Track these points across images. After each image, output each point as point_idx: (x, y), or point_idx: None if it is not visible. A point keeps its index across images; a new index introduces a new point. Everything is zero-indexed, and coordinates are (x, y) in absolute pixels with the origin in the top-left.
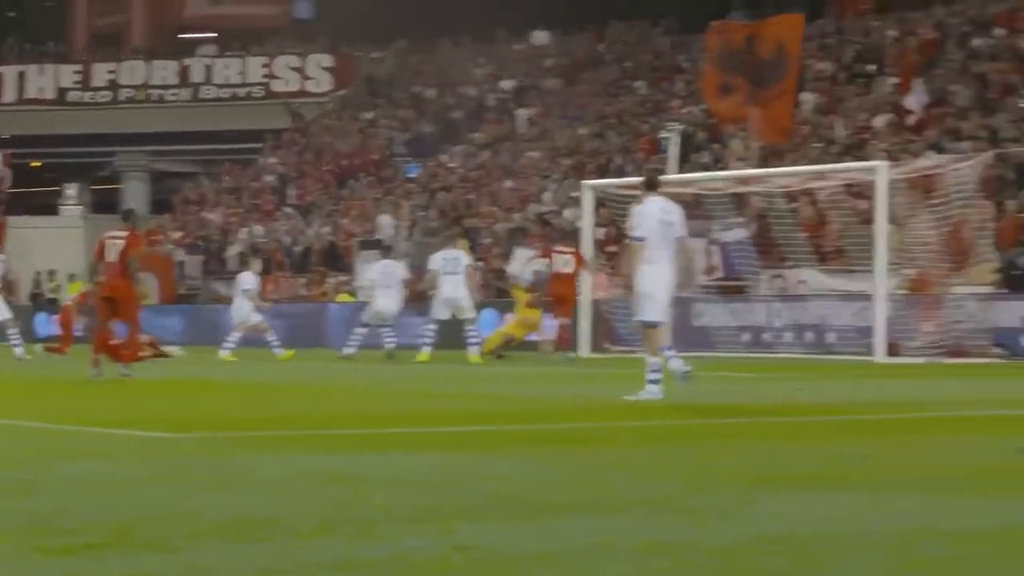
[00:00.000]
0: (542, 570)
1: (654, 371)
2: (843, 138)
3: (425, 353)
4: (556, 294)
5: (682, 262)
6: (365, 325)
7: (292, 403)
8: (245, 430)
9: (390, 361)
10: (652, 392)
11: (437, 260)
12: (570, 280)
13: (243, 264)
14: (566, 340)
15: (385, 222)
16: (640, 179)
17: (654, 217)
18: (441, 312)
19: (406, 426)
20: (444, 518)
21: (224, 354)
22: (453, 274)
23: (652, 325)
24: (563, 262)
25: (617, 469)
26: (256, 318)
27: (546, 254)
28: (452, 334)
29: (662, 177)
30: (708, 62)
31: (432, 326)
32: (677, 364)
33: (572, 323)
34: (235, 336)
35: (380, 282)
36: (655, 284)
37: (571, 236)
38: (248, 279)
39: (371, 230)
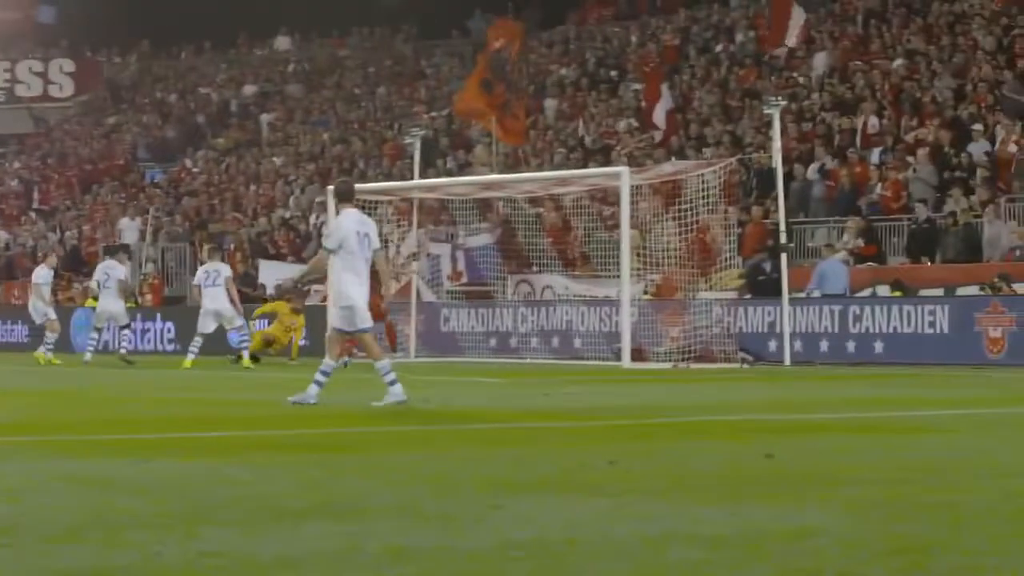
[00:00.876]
0: (285, 575)
1: (387, 373)
2: (588, 143)
3: (189, 361)
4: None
5: (380, 274)
6: (98, 329)
7: (36, 408)
8: None
9: (128, 365)
10: (396, 394)
11: (199, 275)
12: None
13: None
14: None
15: (128, 227)
16: (334, 190)
17: (351, 229)
18: (207, 325)
19: (151, 432)
20: (188, 524)
21: (45, 354)
22: (214, 286)
23: (368, 332)
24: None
25: (362, 475)
26: (52, 314)
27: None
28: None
29: (357, 187)
30: (482, 60)
31: (199, 338)
32: (325, 370)
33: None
34: (52, 336)
35: (103, 283)
36: (359, 294)
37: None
38: (43, 274)
39: (115, 235)
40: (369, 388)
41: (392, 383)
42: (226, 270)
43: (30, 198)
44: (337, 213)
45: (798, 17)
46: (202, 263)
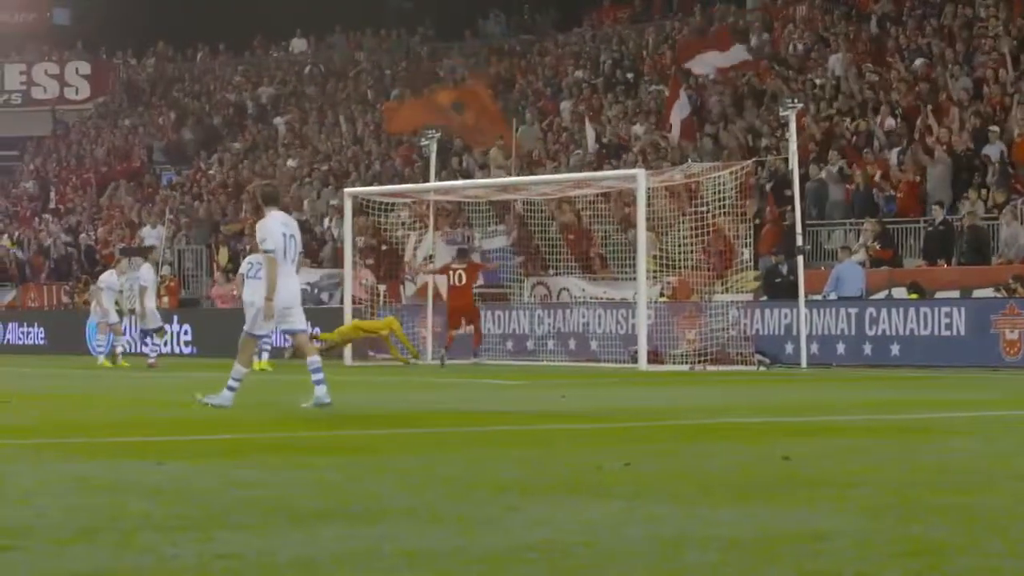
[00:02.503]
0: None
1: (236, 379)
2: (598, 146)
3: (261, 361)
4: (451, 306)
5: (266, 280)
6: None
7: (49, 411)
8: None
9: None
10: (225, 398)
11: (243, 265)
12: (463, 292)
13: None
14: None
15: (149, 235)
16: (260, 193)
17: (278, 231)
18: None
19: (164, 434)
20: (202, 526)
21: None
22: (255, 278)
23: (255, 337)
24: (457, 276)
25: (377, 477)
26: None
27: (443, 271)
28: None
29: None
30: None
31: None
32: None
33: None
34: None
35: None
36: (292, 295)
37: (463, 254)
38: (107, 279)
39: (129, 237)
40: (381, 390)
41: (232, 390)
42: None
43: (46, 200)
44: (262, 215)
45: (682, 110)
46: (218, 265)
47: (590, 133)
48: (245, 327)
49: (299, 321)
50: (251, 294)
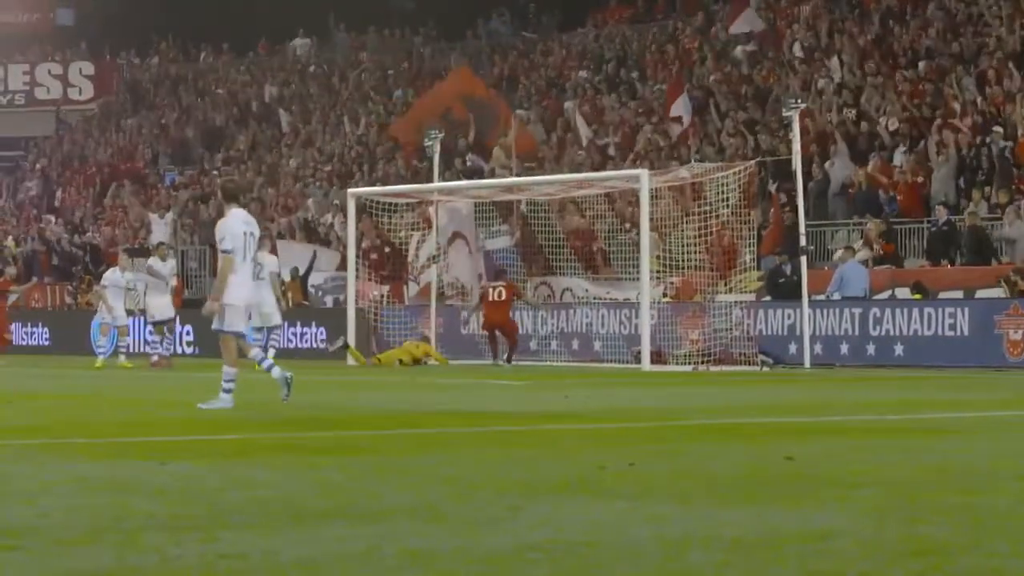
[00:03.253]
0: None
1: (229, 380)
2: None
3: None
4: (488, 320)
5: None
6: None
7: (53, 411)
8: (1, 439)
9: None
10: (225, 401)
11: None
12: (501, 308)
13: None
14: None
15: (157, 224)
16: (221, 190)
17: (239, 230)
18: (256, 319)
19: (168, 434)
20: (206, 526)
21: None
22: (258, 279)
23: (230, 335)
24: (497, 293)
25: (380, 477)
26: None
27: (484, 289)
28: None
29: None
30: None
31: (257, 334)
32: (277, 371)
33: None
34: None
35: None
36: (239, 296)
37: (501, 274)
38: (110, 276)
39: (133, 237)
40: (385, 391)
41: (227, 391)
42: (272, 263)
43: (50, 200)
44: (223, 213)
45: (686, 107)
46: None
47: (583, 127)
48: (214, 326)
49: (229, 324)
50: (254, 295)
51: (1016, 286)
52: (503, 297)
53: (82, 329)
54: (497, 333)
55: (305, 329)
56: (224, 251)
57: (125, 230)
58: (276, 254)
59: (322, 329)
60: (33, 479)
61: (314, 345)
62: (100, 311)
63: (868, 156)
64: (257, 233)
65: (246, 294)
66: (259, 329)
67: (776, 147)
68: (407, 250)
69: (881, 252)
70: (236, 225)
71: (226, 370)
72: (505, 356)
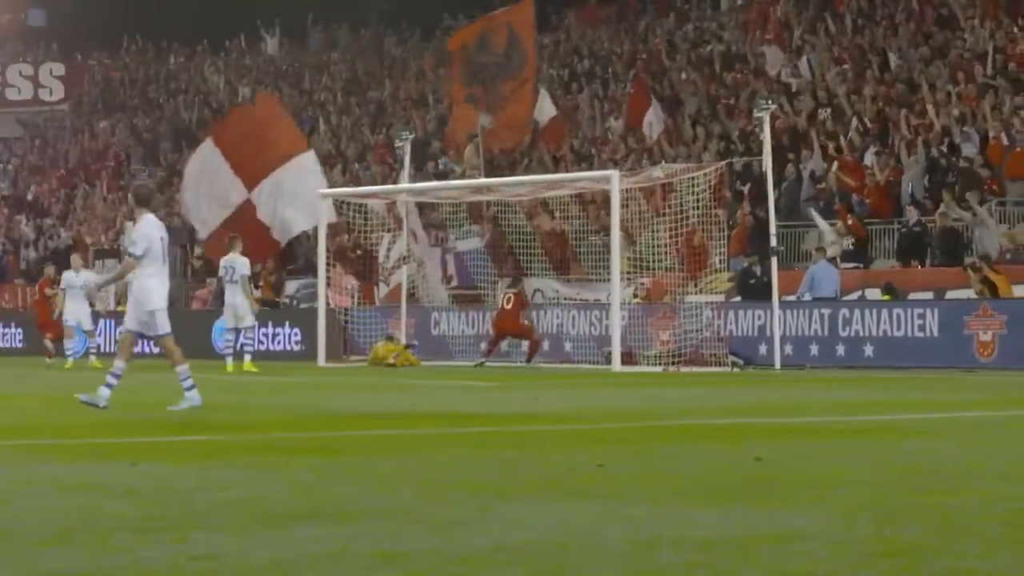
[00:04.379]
0: None
1: (186, 378)
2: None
3: (245, 363)
4: (497, 326)
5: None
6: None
7: (24, 412)
8: None
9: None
10: (192, 399)
11: (220, 268)
12: (509, 314)
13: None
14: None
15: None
16: (134, 194)
17: (156, 235)
18: (229, 320)
19: (139, 435)
20: (178, 527)
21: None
22: (231, 282)
23: (168, 336)
24: (507, 299)
25: (352, 478)
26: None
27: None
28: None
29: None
30: (454, 79)
31: (229, 335)
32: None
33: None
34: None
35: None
36: (162, 298)
37: (516, 282)
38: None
39: (100, 238)
40: (356, 392)
41: (190, 388)
42: (242, 266)
43: (21, 201)
44: (136, 218)
45: (656, 117)
46: (194, 268)
47: (545, 102)
48: (130, 327)
49: (161, 327)
50: (231, 297)
51: (980, 271)
52: (511, 304)
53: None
54: (507, 340)
55: (278, 330)
56: (133, 255)
57: (95, 231)
58: (247, 256)
59: (296, 331)
60: (5, 480)
61: (288, 347)
62: (64, 313)
63: (838, 157)
64: (167, 237)
65: (156, 300)
66: (232, 330)
67: (747, 147)
68: (377, 251)
69: (851, 244)
70: (153, 231)
71: (179, 370)
72: (527, 359)
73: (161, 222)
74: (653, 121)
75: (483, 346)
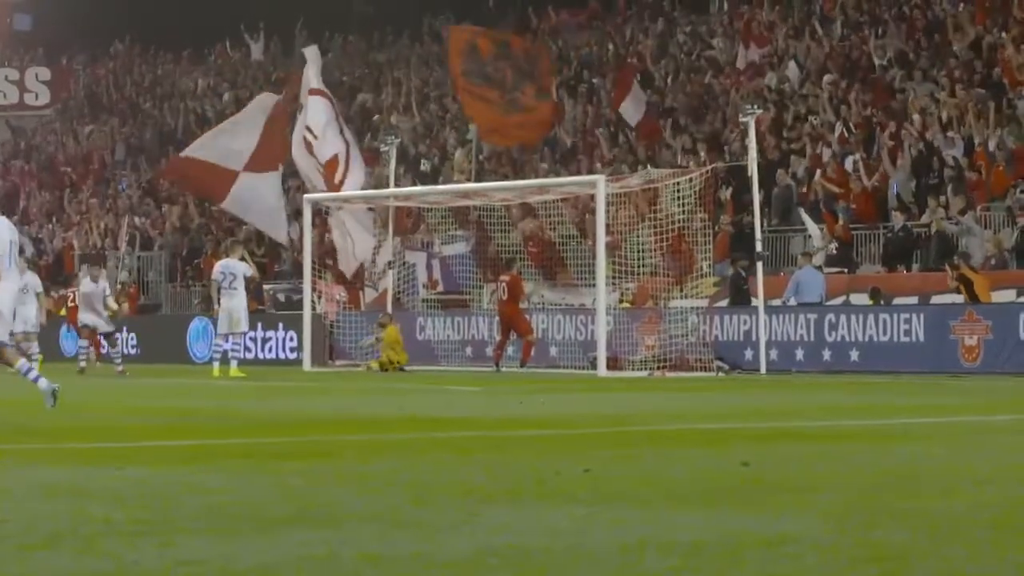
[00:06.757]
0: None
1: (28, 371)
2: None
3: (232, 368)
4: (501, 317)
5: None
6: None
7: (9, 417)
8: None
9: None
10: (43, 385)
11: (215, 272)
12: (506, 304)
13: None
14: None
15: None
16: None
17: (6, 237)
18: (224, 326)
19: (126, 440)
20: (165, 532)
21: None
22: (230, 288)
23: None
24: (502, 289)
25: (338, 482)
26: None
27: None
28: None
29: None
30: (458, 75)
31: (219, 341)
32: (44, 383)
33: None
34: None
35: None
36: (5, 303)
37: (510, 264)
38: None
39: (85, 244)
40: (343, 396)
41: (37, 379)
42: (242, 270)
43: (7, 207)
44: None
45: (637, 105)
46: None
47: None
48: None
49: (2, 331)
50: (227, 301)
51: (957, 268)
52: (507, 294)
53: (50, 335)
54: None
55: (269, 334)
56: None
57: (83, 236)
58: (246, 261)
59: (291, 334)
60: None
61: (280, 355)
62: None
63: (824, 161)
64: (18, 240)
65: (9, 300)
66: (226, 335)
67: (733, 151)
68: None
69: (835, 249)
70: (4, 233)
71: (19, 366)
72: (519, 363)
73: (12, 226)
74: (631, 106)
75: (489, 351)
